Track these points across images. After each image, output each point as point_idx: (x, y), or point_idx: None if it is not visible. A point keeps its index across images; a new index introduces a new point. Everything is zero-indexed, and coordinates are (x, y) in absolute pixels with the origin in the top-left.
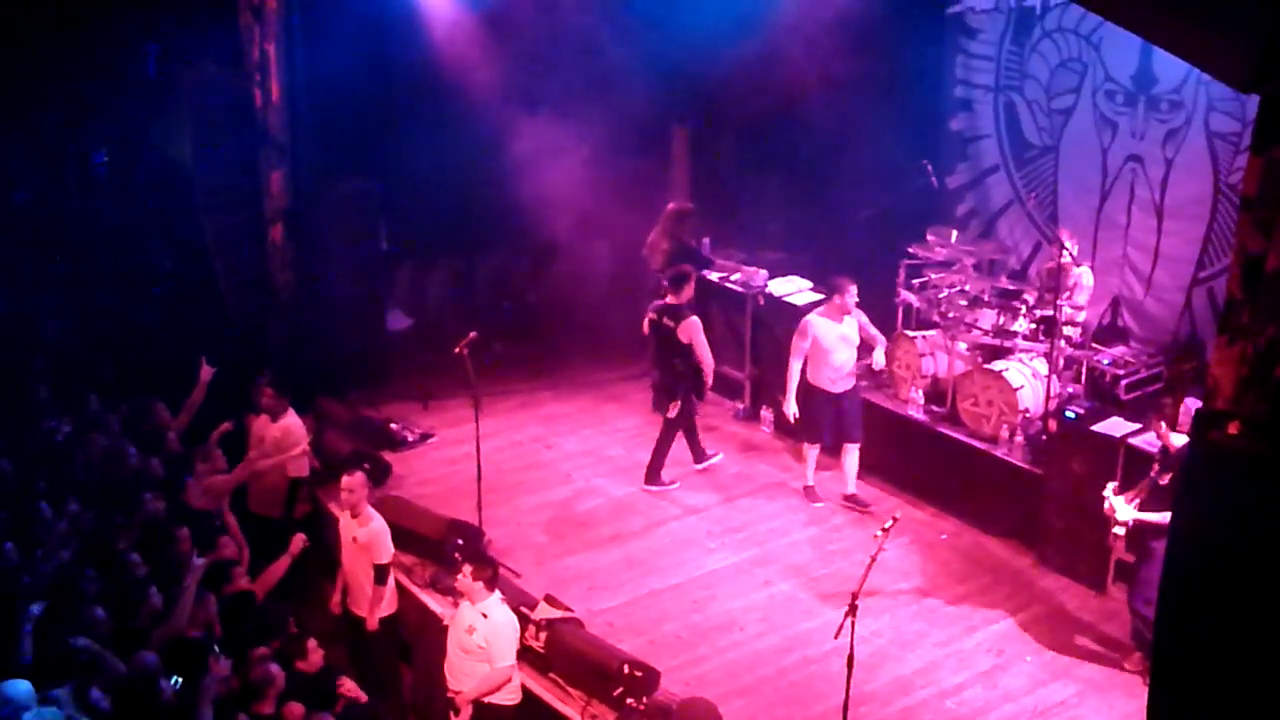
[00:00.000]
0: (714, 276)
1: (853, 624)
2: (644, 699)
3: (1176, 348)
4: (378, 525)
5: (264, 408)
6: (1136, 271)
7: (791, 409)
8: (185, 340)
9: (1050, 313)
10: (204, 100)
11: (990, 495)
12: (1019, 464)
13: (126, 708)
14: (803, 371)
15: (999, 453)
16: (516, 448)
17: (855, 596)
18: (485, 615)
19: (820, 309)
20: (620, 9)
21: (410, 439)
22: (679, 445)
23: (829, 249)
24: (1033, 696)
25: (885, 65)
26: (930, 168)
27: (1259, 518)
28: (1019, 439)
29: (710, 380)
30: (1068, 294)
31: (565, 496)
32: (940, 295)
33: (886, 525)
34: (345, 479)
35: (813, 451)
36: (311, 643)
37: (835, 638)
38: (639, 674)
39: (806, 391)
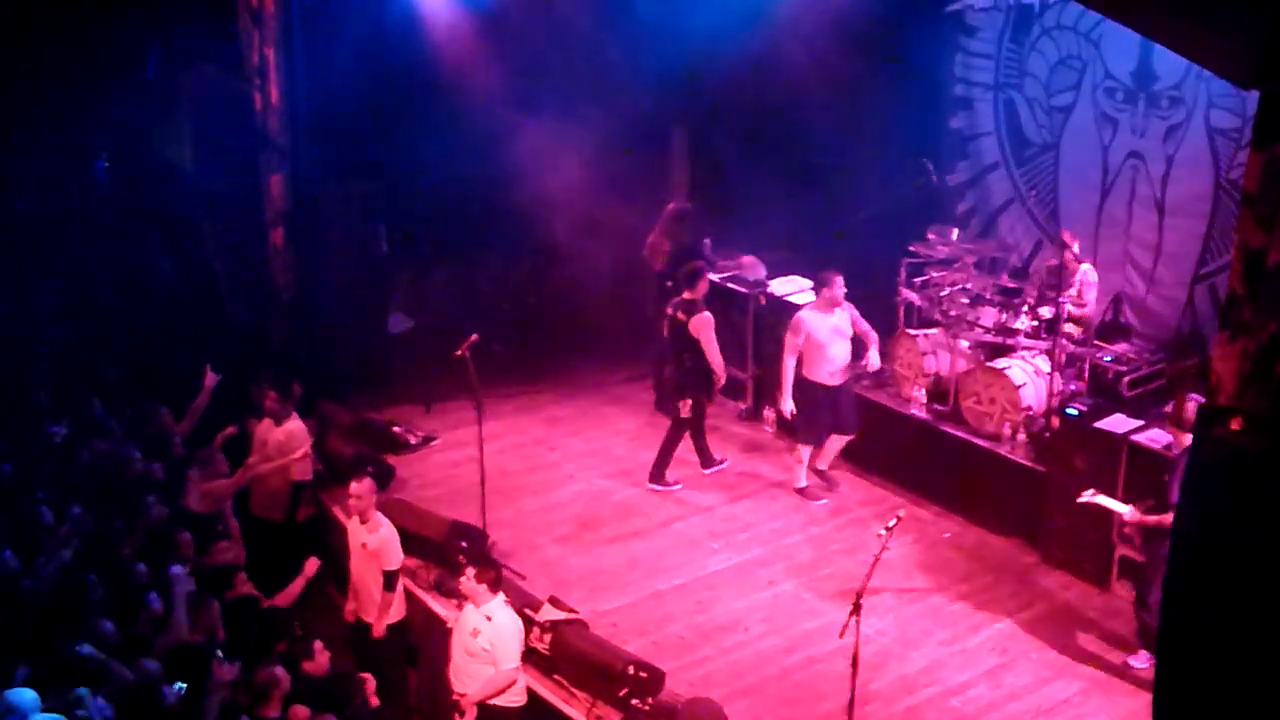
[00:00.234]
0: (715, 277)
1: (857, 623)
2: (649, 700)
3: (1178, 344)
4: (387, 532)
5: (267, 411)
6: (1138, 268)
7: (788, 406)
8: (186, 344)
9: (1054, 309)
10: (204, 104)
11: (993, 493)
12: (1022, 462)
13: (130, 715)
14: (799, 368)
15: (1002, 451)
16: (519, 450)
17: (859, 596)
18: (489, 618)
19: (810, 304)
20: (619, 10)
21: (413, 442)
22: (683, 446)
23: (830, 248)
24: (1037, 694)
25: (885, 64)
26: (931, 166)
27: (1262, 514)
28: (1021, 437)
29: (721, 380)
30: (1076, 292)
31: (568, 498)
32: (942, 293)
33: (890, 524)
34: (353, 485)
35: (806, 452)
36: (318, 644)
37: (840, 637)
38: (644, 675)
39: (804, 389)
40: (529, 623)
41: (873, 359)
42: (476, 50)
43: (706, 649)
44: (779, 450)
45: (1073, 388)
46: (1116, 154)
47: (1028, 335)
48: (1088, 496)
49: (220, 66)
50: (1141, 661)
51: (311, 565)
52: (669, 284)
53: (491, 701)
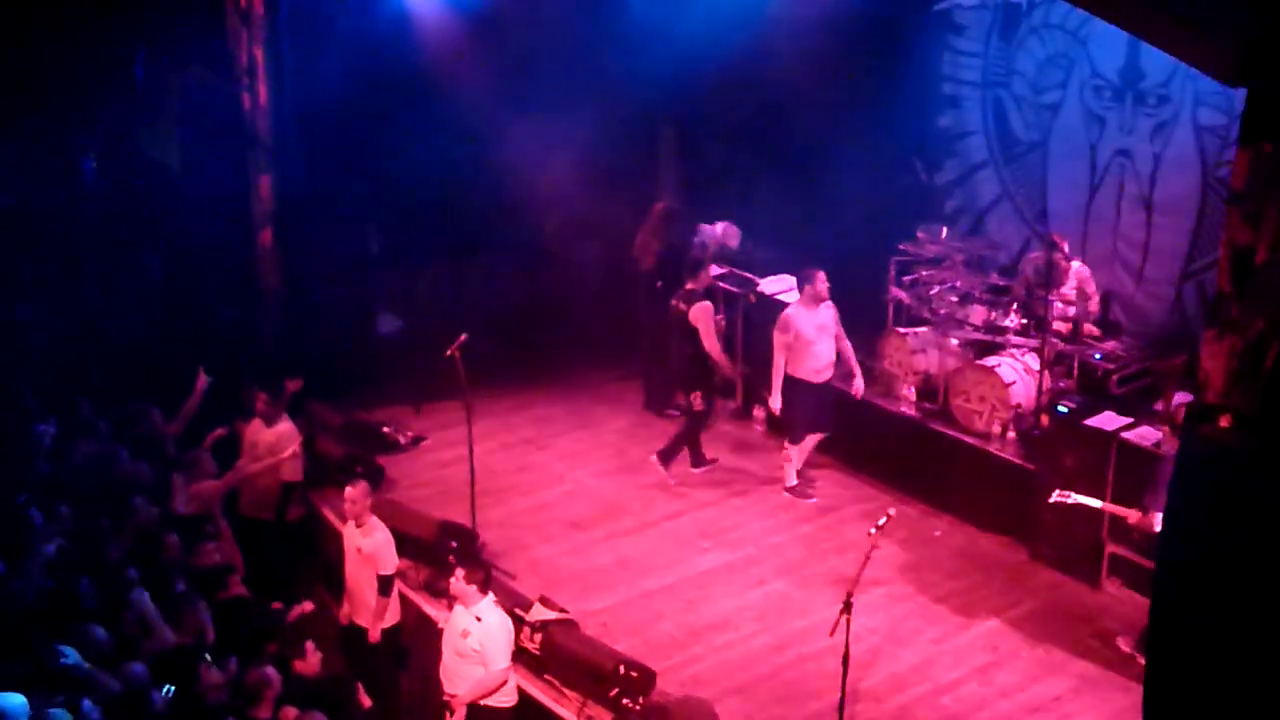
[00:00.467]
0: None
1: (848, 621)
2: (640, 699)
3: (1167, 342)
4: (381, 536)
5: (259, 414)
6: (1126, 265)
7: (777, 403)
8: (174, 344)
9: (1045, 307)
10: (192, 104)
11: (983, 491)
12: (1012, 459)
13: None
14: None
15: (991, 449)
16: (508, 449)
17: (849, 594)
18: (479, 619)
19: (796, 301)
20: (608, 9)
21: (402, 442)
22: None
23: (819, 246)
24: (1027, 692)
25: (873, 62)
26: (920, 165)
27: (1250, 511)
28: (1011, 434)
29: (727, 370)
30: (1074, 290)
31: (558, 497)
32: (931, 292)
33: (880, 523)
34: (348, 490)
35: (794, 450)
36: (309, 644)
37: (830, 635)
38: (634, 674)
39: (790, 387)
40: (519, 622)
41: (858, 386)
42: (465, 51)
43: (697, 648)
44: (769, 449)
45: (1062, 385)
46: (1104, 152)
47: (1017, 333)
48: (1058, 497)
49: (209, 66)
50: (1129, 644)
51: (307, 607)
52: (658, 284)
53: (482, 702)
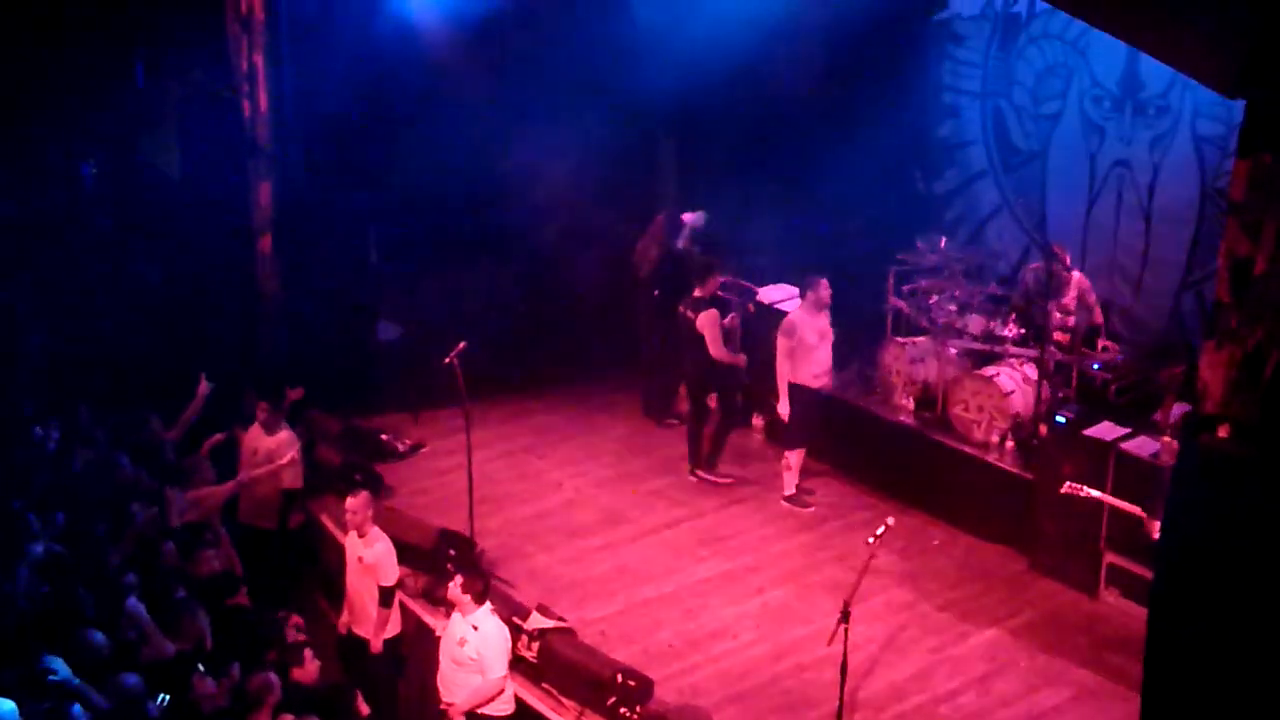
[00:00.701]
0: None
1: (846, 630)
2: (638, 708)
3: (1166, 352)
4: (383, 547)
5: (260, 422)
6: (1125, 275)
7: (785, 409)
8: (173, 351)
9: (1044, 317)
10: (192, 111)
11: (982, 501)
12: (1010, 469)
13: None
14: None
15: (990, 458)
16: (507, 458)
17: (848, 603)
18: (476, 627)
19: (799, 306)
20: (608, 19)
21: (401, 450)
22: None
23: (818, 255)
24: (1026, 701)
25: (872, 72)
26: (919, 175)
27: (1249, 520)
28: (1010, 444)
29: (743, 366)
30: (1075, 301)
31: (556, 506)
32: (930, 301)
33: (878, 532)
34: (350, 500)
35: (794, 458)
36: (308, 652)
37: (828, 644)
38: (632, 683)
39: (791, 394)
40: (517, 631)
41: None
42: (466, 60)
43: (695, 656)
44: (768, 457)
45: (1060, 395)
46: (1104, 162)
47: (1015, 343)
48: (1069, 488)
49: (209, 73)
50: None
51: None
52: (656, 293)
53: (479, 710)
